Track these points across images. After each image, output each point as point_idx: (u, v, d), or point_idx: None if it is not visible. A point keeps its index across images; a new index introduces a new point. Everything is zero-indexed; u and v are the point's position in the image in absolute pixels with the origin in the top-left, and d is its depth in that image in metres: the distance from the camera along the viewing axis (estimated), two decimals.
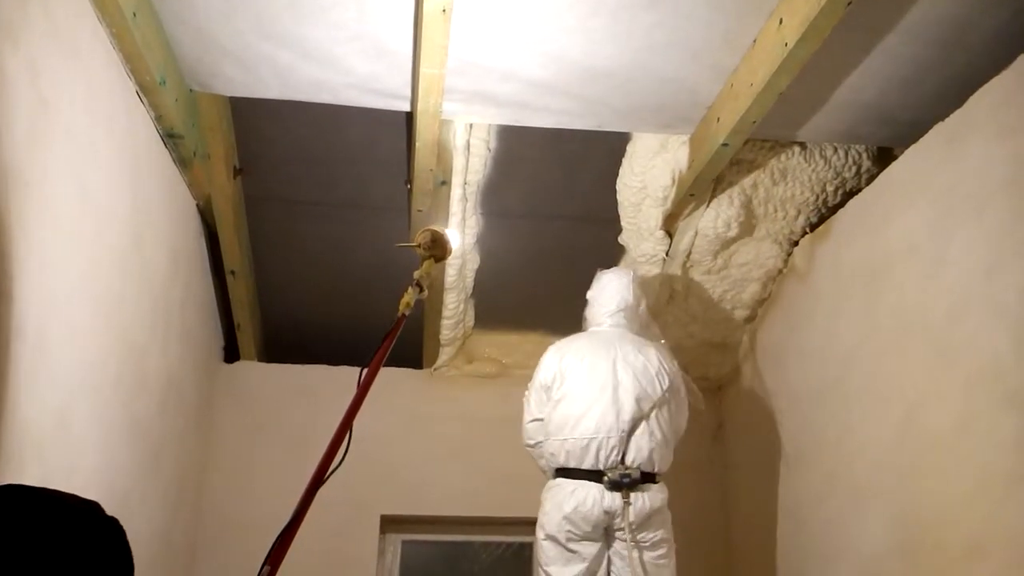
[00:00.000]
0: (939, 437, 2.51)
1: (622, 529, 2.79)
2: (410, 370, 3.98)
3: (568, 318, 4.02)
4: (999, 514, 2.25)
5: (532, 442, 3.04)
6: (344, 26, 2.50)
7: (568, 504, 2.81)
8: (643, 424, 2.87)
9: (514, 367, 4.01)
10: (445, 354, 3.97)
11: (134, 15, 2.29)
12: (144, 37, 2.39)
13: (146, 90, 2.56)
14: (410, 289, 2.22)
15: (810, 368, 3.29)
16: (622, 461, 2.82)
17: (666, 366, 3.00)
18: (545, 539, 2.86)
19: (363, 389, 1.95)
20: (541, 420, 3.00)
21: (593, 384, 2.91)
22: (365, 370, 1.99)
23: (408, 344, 3.86)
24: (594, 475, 2.83)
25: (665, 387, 2.95)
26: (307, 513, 1.75)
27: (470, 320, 3.94)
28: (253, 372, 3.92)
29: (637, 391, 2.89)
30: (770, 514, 3.48)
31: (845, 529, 2.96)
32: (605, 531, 2.84)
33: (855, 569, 2.89)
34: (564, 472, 2.89)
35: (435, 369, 4.01)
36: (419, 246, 2.37)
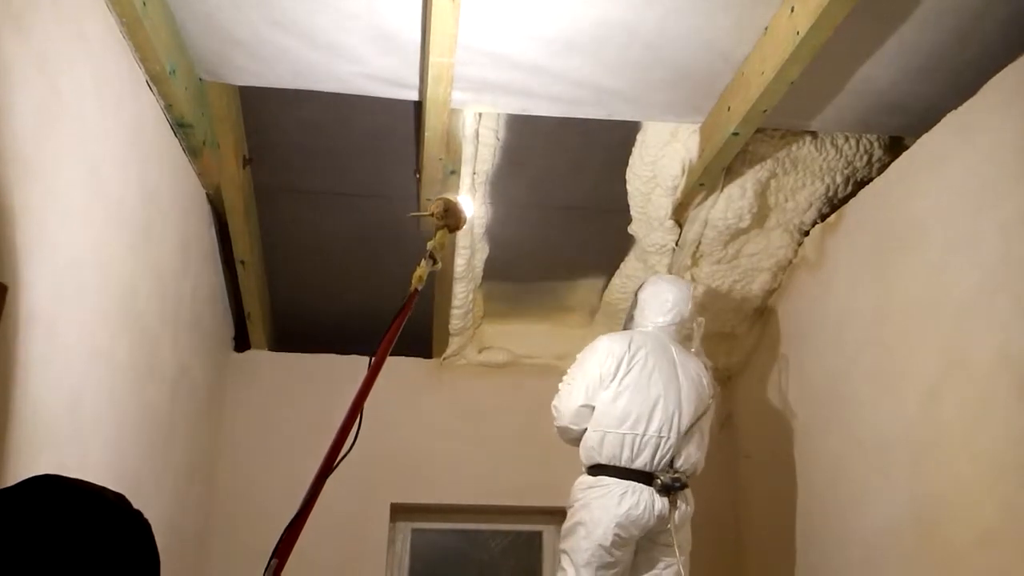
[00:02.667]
0: (951, 427, 2.51)
1: (666, 532, 2.78)
2: (420, 359, 4.00)
3: (578, 308, 4.04)
4: (1011, 503, 2.24)
5: (576, 428, 2.93)
6: (353, 15, 2.50)
7: (620, 508, 2.75)
8: (694, 430, 2.89)
9: (524, 356, 4.02)
10: (455, 343, 3.97)
11: (144, 4, 2.29)
12: (154, 26, 2.38)
13: (156, 79, 2.57)
14: (423, 262, 2.11)
15: (821, 358, 3.28)
16: (671, 464, 2.82)
17: (711, 381, 3.05)
18: (585, 538, 2.77)
19: (375, 368, 1.89)
20: (592, 407, 2.90)
21: (658, 383, 2.88)
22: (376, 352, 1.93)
23: (418, 334, 3.88)
24: (643, 477, 2.79)
25: (711, 399, 2.99)
26: (317, 503, 1.74)
27: (479, 310, 3.94)
28: (263, 361, 3.94)
29: (695, 397, 2.91)
30: (780, 502, 3.48)
31: (855, 518, 2.95)
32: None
33: (865, 557, 2.89)
34: (607, 470, 2.82)
35: (445, 359, 4.02)
36: (432, 215, 2.24)
